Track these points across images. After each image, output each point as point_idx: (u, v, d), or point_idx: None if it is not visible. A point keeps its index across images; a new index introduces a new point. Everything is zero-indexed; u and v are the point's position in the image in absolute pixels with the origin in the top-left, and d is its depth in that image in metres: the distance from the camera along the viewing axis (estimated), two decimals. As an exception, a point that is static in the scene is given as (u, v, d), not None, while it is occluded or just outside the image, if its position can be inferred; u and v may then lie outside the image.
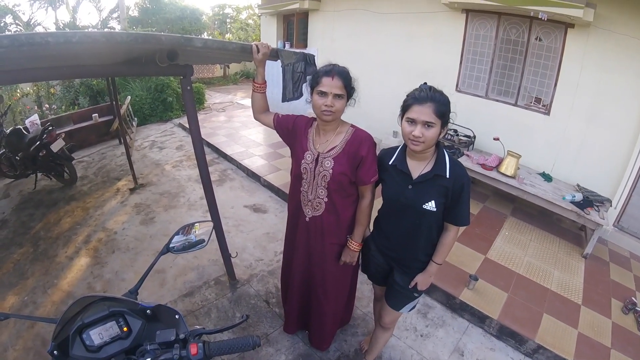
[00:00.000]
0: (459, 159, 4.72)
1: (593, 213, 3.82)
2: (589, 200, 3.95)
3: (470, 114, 5.10)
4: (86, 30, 14.44)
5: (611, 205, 4.13)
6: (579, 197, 3.98)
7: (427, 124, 1.61)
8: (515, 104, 4.99)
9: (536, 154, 4.78)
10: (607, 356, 2.76)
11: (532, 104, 4.88)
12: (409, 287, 1.98)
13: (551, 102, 4.64)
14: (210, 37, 17.99)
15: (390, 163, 1.86)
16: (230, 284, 3.38)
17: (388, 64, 6.38)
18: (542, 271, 3.63)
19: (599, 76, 4.20)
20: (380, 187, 1.99)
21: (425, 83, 1.70)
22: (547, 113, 4.70)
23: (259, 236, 4.13)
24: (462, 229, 2.02)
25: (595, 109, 4.29)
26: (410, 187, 1.77)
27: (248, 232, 4.21)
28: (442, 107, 1.61)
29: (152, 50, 2.11)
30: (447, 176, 1.70)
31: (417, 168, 1.78)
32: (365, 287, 3.27)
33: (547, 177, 4.51)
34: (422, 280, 1.95)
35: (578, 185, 4.41)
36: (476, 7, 4.83)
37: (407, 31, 5.95)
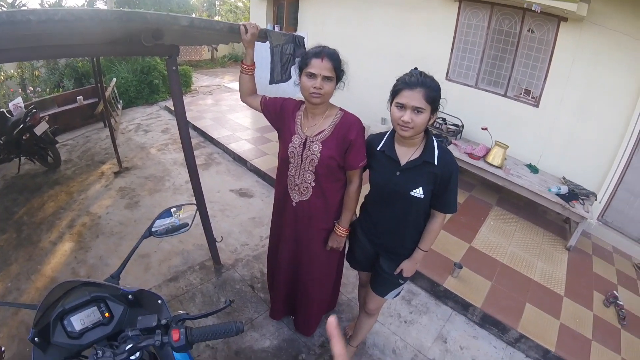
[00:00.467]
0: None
1: (578, 206, 3.87)
2: (575, 194, 4.00)
3: (460, 103, 5.09)
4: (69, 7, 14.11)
5: (596, 199, 4.20)
6: (564, 189, 4.03)
7: (417, 110, 1.58)
8: (504, 95, 5.00)
9: (524, 145, 4.81)
10: (588, 347, 2.82)
11: (521, 96, 4.89)
12: (395, 273, 1.98)
13: (541, 94, 4.66)
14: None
15: (378, 149, 1.84)
16: (215, 268, 3.36)
17: (379, 51, 6.32)
18: (525, 261, 3.68)
19: (589, 71, 4.22)
20: (367, 172, 1.97)
21: (415, 68, 1.67)
22: (537, 105, 4.72)
23: (244, 221, 4.11)
24: (448, 216, 2.03)
25: (585, 103, 4.32)
26: (398, 173, 1.75)
27: (234, 216, 4.19)
28: (432, 92, 1.59)
29: (138, 30, 2.04)
30: (436, 163, 1.68)
31: (406, 154, 1.76)
32: (350, 273, 3.27)
33: (533, 169, 4.55)
34: (407, 267, 1.95)
35: (564, 178, 4.46)
36: None
37: (400, 18, 5.89)
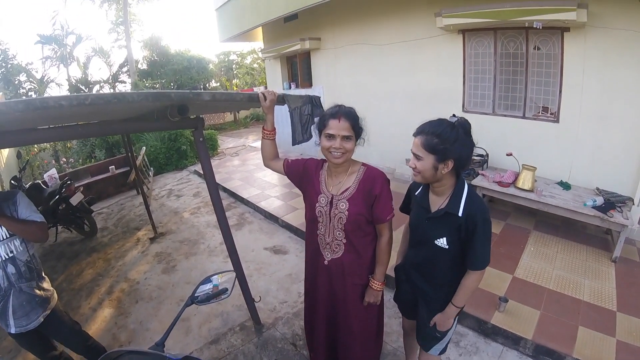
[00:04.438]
0: (475, 179, 4.68)
1: (616, 215, 3.71)
2: (611, 202, 3.85)
3: (480, 132, 4.99)
4: (98, 87, 15.14)
5: (634, 204, 4.00)
6: (599, 200, 3.88)
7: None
8: (523, 117, 4.96)
9: (551, 163, 4.70)
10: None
11: (540, 114, 4.85)
12: (430, 325, 1.92)
13: (559, 109, 4.60)
14: (217, 85, 18.65)
15: (415, 193, 1.90)
16: (256, 328, 3.33)
17: (393, 93, 6.46)
18: (572, 282, 3.49)
19: (602, 75, 4.17)
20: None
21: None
22: (557, 120, 4.65)
23: (281, 278, 4.09)
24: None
25: (604, 108, 4.24)
26: (426, 221, 1.77)
27: (270, 274, 4.18)
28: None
29: (164, 106, 2.19)
30: (459, 214, 1.65)
31: (436, 202, 1.77)
32: (393, 322, 3.19)
33: (565, 186, 4.42)
34: (440, 321, 1.88)
35: (597, 189, 4.30)
36: (470, 26, 4.89)
37: (408, 59, 6.05)
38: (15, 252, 2.16)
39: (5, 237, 2.12)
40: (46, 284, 2.39)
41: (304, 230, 2.32)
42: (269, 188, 6.95)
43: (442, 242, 1.70)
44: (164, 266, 4.61)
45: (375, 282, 2.06)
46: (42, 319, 2.27)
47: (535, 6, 4.07)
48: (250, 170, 8.45)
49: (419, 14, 5.66)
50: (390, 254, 2.06)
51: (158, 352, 1.36)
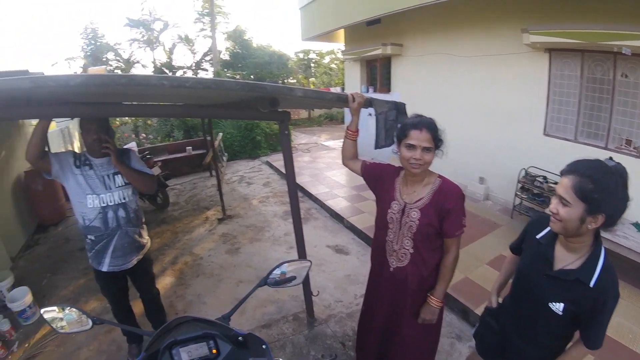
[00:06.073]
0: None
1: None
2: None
3: (559, 158, 4.69)
4: (181, 72, 16.05)
5: None
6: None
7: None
8: (605, 147, 4.53)
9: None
10: None
11: (622, 147, 4.41)
12: None
13: (643, 143, 4.17)
14: (295, 82, 19.11)
15: (537, 237, 1.59)
16: (308, 321, 3.34)
17: (471, 108, 6.19)
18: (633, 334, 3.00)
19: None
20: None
21: None
22: (639, 156, 4.22)
23: (339, 277, 4.07)
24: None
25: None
26: (544, 276, 1.48)
27: (329, 272, 4.18)
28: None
29: (254, 97, 2.28)
30: (591, 285, 1.35)
31: (563, 258, 1.47)
32: (445, 341, 3.02)
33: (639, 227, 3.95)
34: None
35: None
36: (557, 45, 4.59)
37: (490, 73, 5.77)
38: (127, 199, 2.45)
39: (122, 185, 2.41)
40: (145, 233, 2.69)
41: (368, 234, 2.30)
42: (337, 187, 6.97)
43: (557, 307, 1.43)
44: (229, 247, 4.78)
45: (434, 299, 1.98)
46: (135, 262, 2.58)
47: (626, 30, 3.73)
48: (320, 168, 8.54)
49: (504, 28, 5.38)
50: (454, 272, 1.97)
51: (225, 324, 1.39)
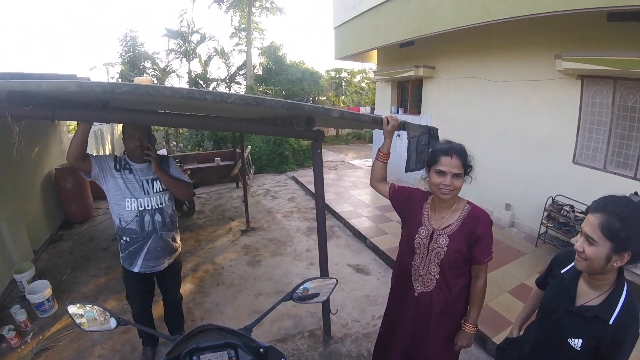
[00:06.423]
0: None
1: None
2: None
3: (587, 187, 4.64)
4: (215, 84, 16.43)
5: None
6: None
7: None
8: (634, 177, 4.39)
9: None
10: None
11: None
12: None
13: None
14: (325, 100, 19.27)
15: (562, 271, 1.58)
16: (324, 339, 3.32)
17: (502, 133, 6.10)
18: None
19: None
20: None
21: None
22: None
23: (359, 297, 4.03)
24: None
25: None
26: (565, 312, 1.47)
27: (349, 291, 4.14)
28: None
29: (290, 115, 2.34)
30: (611, 322, 1.33)
31: (585, 295, 1.45)
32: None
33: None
34: None
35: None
36: (590, 72, 4.53)
37: (522, 99, 5.70)
38: (163, 205, 2.55)
39: (160, 190, 2.51)
40: (178, 237, 2.78)
41: (390, 255, 2.29)
42: (361, 207, 6.95)
43: (576, 343, 1.41)
44: (250, 259, 4.82)
45: (469, 325, 1.97)
46: (167, 265, 2.66)
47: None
48: (346, 186, 8.54)
49: (537, 54, 5.33)
50: (484, 296, 1.96)
51: (247, 335, 1.41)
